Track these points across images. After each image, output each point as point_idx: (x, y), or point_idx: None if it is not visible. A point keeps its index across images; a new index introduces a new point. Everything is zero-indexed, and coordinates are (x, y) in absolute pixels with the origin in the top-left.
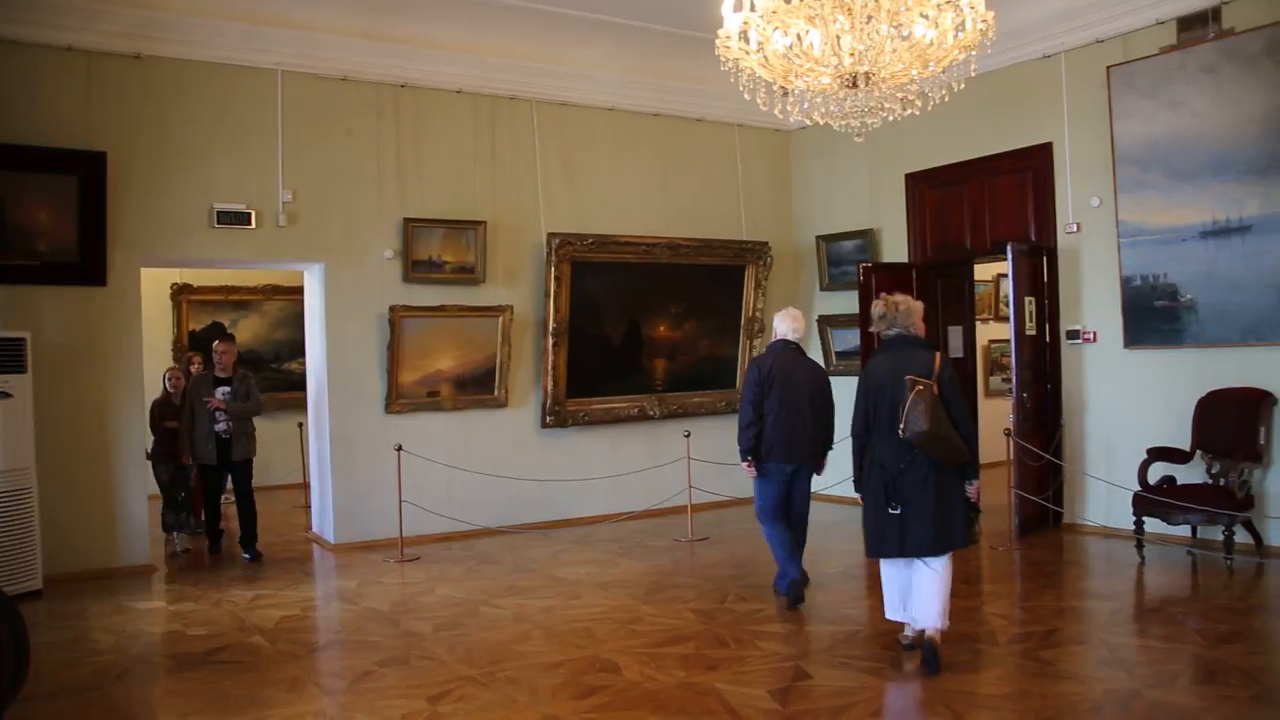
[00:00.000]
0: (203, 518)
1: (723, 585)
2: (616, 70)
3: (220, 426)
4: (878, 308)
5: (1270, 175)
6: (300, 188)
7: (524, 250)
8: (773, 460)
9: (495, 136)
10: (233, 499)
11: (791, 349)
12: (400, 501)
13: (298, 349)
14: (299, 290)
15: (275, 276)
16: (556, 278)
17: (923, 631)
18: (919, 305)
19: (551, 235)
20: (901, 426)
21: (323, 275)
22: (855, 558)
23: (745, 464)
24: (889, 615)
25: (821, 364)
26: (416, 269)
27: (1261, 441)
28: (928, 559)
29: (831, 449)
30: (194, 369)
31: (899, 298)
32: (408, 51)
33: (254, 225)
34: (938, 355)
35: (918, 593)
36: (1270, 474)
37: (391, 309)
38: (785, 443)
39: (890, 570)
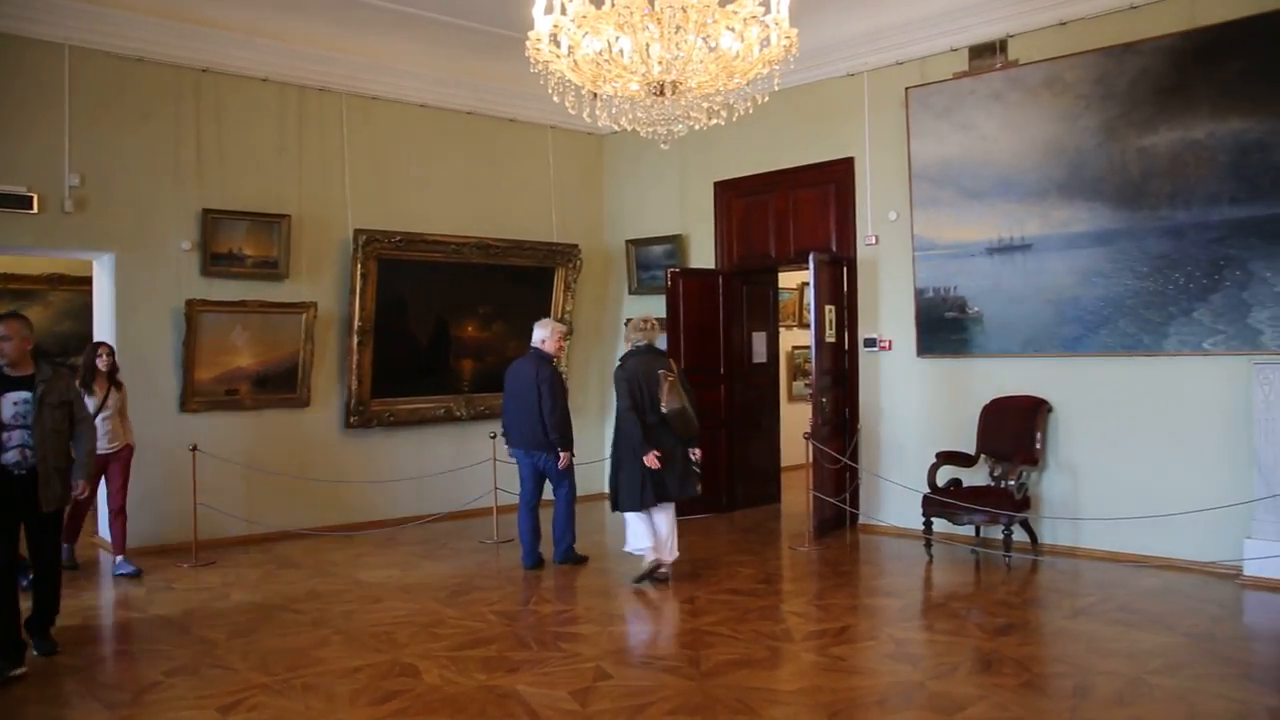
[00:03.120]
0: None
1: (526, 587)
2: (429, 66)
3: (11, 457)
4: (639, 324)
5: (1048, 198)
6: (89, 172)
7: (330, 246)
8: (508, 445)
9: (302, 128)
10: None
11: (530, 354)
12: (195, 504)
13: (85, 343)
14: (87, 280)
15: (61, 265)
16: (363, 275)
17: (658, 564)
18: (659, 323)
19: (359, 231)
20: (663, 404)
21: (113, 266)
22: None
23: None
24: (633, 548)
25: (555, 370)
26: (216, 262)
27: (1038, 446)
28: (666, 504)
29: (563, 446)
30: (101, 362)
31: (652, 319)
32: (210, 34)
33: (36, 210)
34: (671, 361)
35: (664, 534)
36: (1045, 476)
37: (188, 303)
38: (510, 431)
39: (639, 514)
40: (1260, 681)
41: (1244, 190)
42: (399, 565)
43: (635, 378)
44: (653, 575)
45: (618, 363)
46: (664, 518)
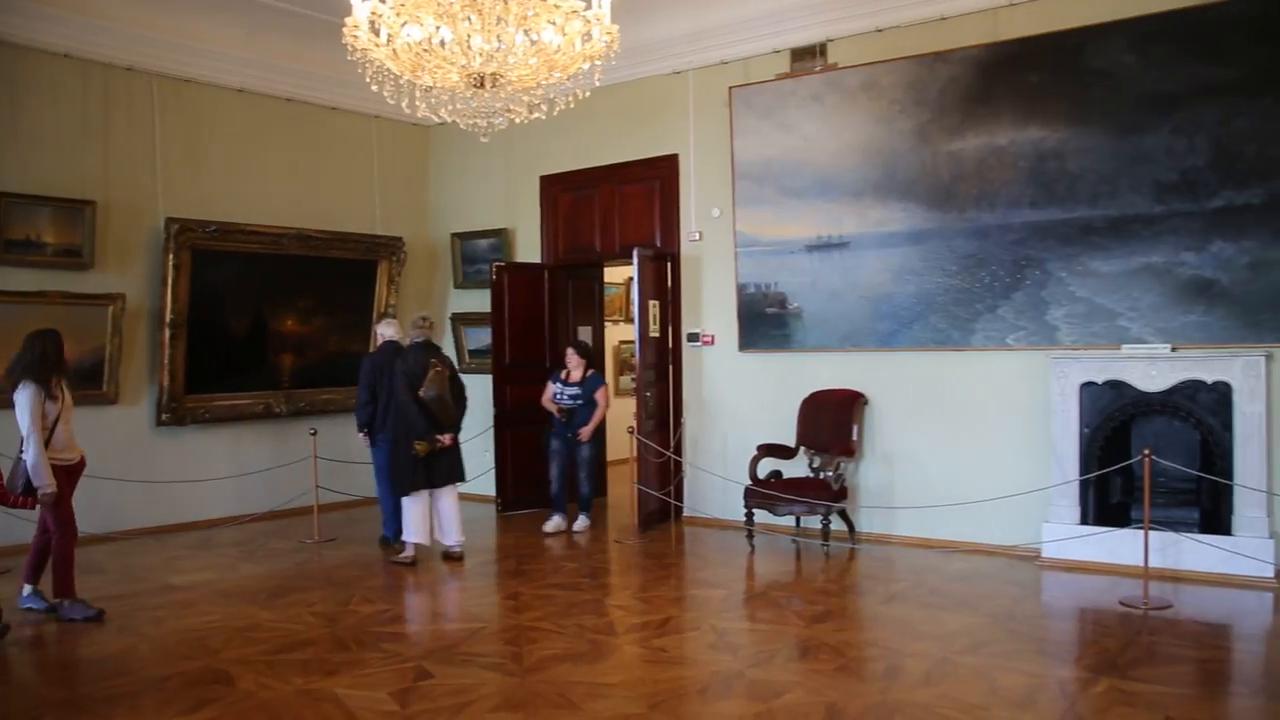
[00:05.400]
0: None
1: (348, 587)
2: (247, 50)
3: None
4: (417, 322)
5: (864, 198)
6: None
7: (139, 235)
8: (384, 431)
9: (109, 110)
10: None
11: (387, 349)
12: None
13: None
14: None
15: None
16: (175, 266)
17: (417, 547)
18: (435, 322)
19: (171, 220)
20: (423, 390)
21: None
22: (488, 554)
23: (362, 435)
24: (412, 538)
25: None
26: (11, 250)
27: (854, 438)
28: (446, 488)
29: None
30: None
31: (429, 319)
32: None
33: None
34: (446, 357)
35: (447, 518)
36: (862, 467)
37: None
38: (388, 421)
39: (416, 504)
40: (1053, 656)
41: (1042, 195)
42: (214, 568)
43: (413, 370)
44: (414, 564)
45: (395, 356)
46: (446, 502)
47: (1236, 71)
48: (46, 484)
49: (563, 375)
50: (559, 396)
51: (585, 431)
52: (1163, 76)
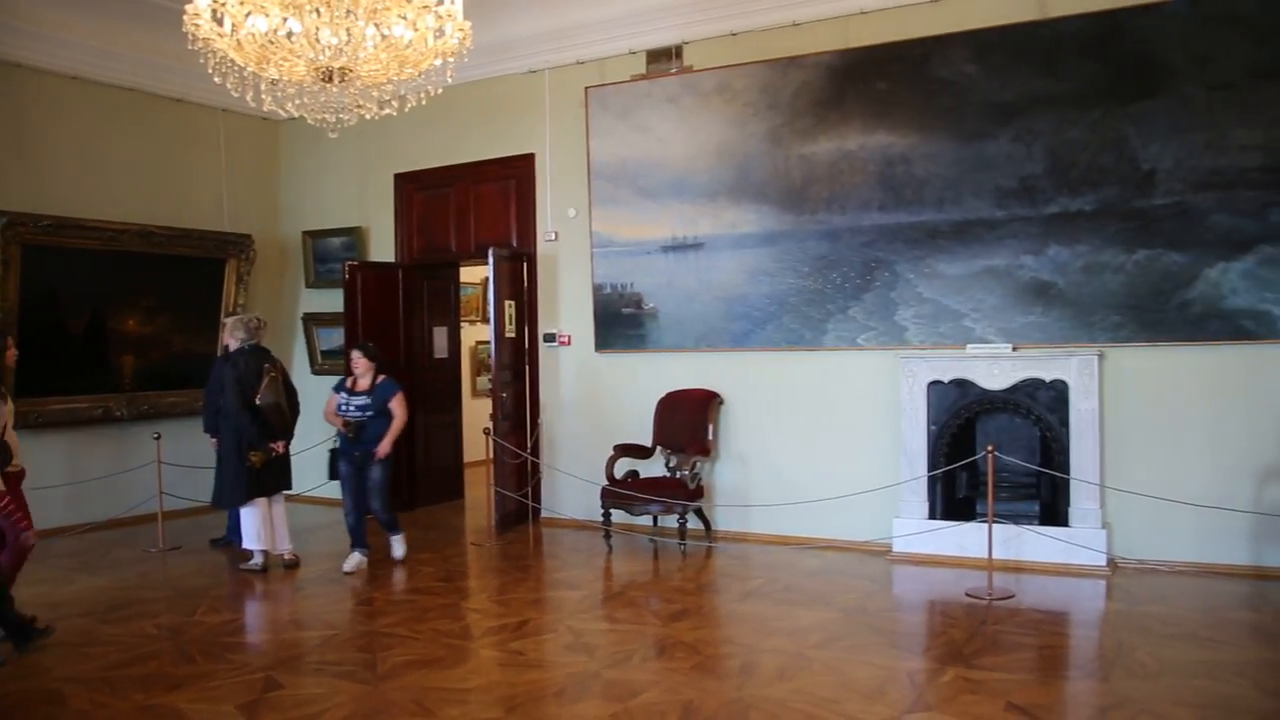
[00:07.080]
0: None
1: (194, 596)
2: (84, 35)
3: None
4: (247, 323)
5: (719, 199)
6: None
7: None
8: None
9: None
10: None
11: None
12: None
13: None
14: None
15: None
16: (4, 261)
17: (265, 554)
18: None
19: None
20: (259, 398)
21: None
22: (334, 561)
23: (212, 441)
24: (252, 545)
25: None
26: None
27: (710, 437)
28: (277, 496)
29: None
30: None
31: (260, 319)
32: None
33: None
34: (278, 361)
35: (279, 525)
36: (718, 466)
37: None
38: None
39: (255, 512)
40: (903, 648)
41: (890, 199)
42: (47, 581)
43: (246, 376)
44: (266, 569)
45: (225, 361)
46: (277, 510)
47: (1068, 85)
48: None
49: (348, 384)
50: (344, 408)
51: (383, 446)
52: (1002, 87)
